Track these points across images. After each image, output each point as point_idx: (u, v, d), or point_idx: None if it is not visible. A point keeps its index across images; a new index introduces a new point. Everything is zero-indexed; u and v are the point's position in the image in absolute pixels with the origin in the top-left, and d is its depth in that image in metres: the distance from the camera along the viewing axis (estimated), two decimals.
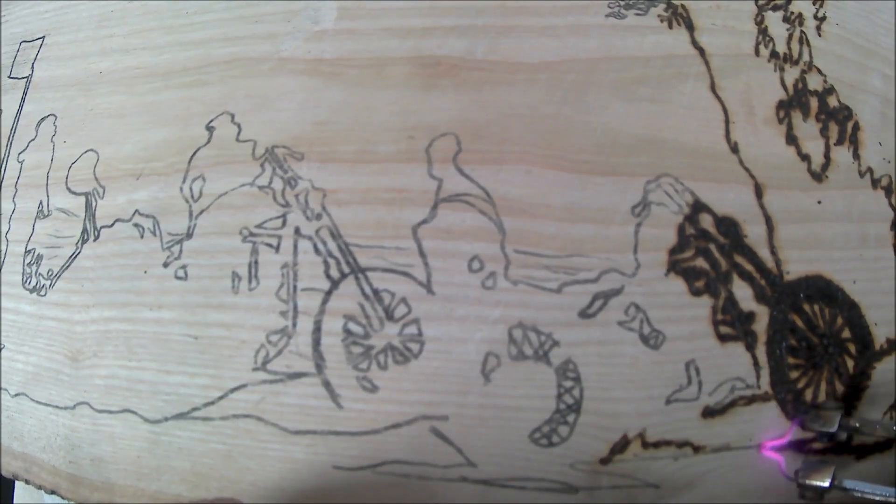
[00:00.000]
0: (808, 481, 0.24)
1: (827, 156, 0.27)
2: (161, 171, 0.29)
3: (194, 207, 0.28)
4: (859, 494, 0.24)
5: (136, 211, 0.29)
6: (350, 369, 0.25)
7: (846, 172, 0.27)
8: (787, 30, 0.29)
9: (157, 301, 0.28)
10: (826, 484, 0.24)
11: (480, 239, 0.25)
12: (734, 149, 0.26)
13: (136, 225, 0.29)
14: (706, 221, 0.26)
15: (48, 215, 0.31)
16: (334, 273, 0.26)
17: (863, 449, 0.26)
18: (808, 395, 0.25)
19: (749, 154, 0.26)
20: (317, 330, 0.25)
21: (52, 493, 0.29)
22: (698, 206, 0.26)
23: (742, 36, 0.28)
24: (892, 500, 0.23)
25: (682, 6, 0.28)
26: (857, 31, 0.29)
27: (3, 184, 0.33)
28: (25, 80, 0.35)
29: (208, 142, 0.29)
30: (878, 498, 0.23)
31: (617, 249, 0.25)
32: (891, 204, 0.27)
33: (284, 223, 0.27)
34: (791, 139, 0.27)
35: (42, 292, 0.30)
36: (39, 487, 0.30)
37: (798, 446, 0.25)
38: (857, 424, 0.24)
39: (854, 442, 0.26)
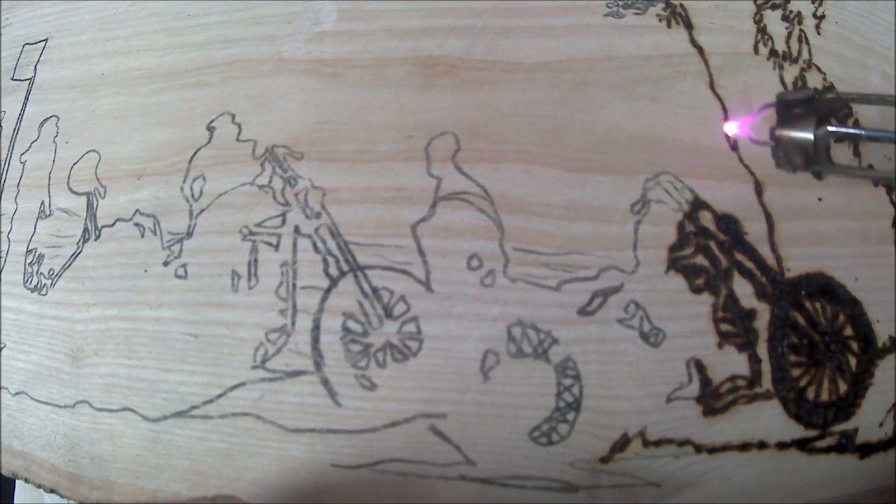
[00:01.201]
0: (788, 132, 0.21)
1: (827, 155, 0.27)
2: (162, 170, 0.29)
3: (195, 207, 0.28)
4: (840, 171, 0.20)
5: (137, 210, 0.29)
6: (349, 367, 0.25)
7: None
8: (787, 28, 0.29)
9: (158, 300, 0.28)
10: (810, 135, 0.20)
11: (479, 237, 0.25)
12: (733, 147, 0.26)
13: (136, 224, 0.29)
14: (706, 219, 0.25)
15: (50, 215, 0.31)
16: (333, 271, 0.26)
17: (866, 448, 0.25)
18: (810, 393, 0.25)
19: (749, 152, 0.26)
20: (316, 328, 0.25)
21: (52, 491, 0.29)
22: (698, 204, 0.26)
23: (741, 34, 0.28)
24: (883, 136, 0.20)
25: (681, 5, 0.28)
26: (857, 29, 0.29)
27: (6, 184, 0.34)
28: (28, 81, 0.35)
29: (209, 142, 0.29)
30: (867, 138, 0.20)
31: (616, 247, 0.25)
32: (891, 201, 0.27)
33: (284, 222, 0.27)
34: None
35: (43, 291, 0.30)
36: (39, 486, 0.30)
37: (801, 445, 0.25)
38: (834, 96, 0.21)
39: (857, 440, 0.25)
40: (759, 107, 0.23)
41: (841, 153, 0.27)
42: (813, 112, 0.22)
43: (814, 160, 0.21)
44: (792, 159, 0.22)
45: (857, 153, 0.27)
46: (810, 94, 0.22)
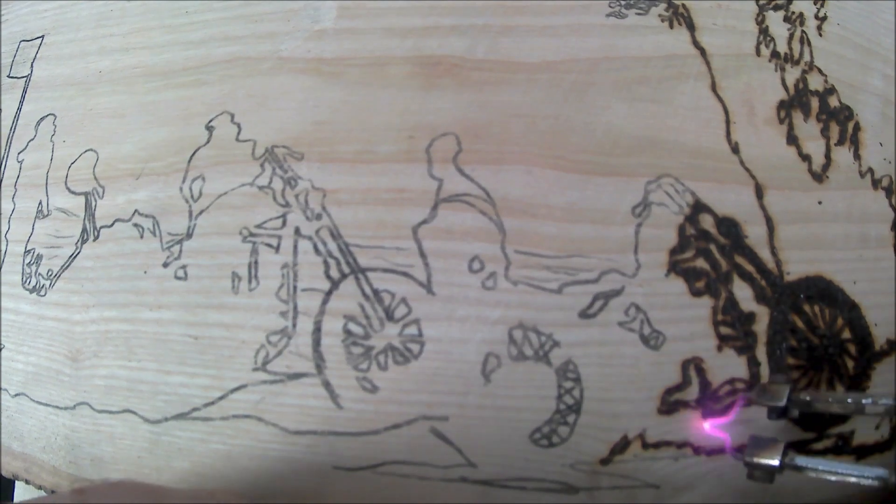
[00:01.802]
0: (755, 459, 0.23)
1: (827, 156, 0.27)
2: (161, 170, 0.29)
3: (194, 207, 0.28)
4: (813, 474, 0.22)
5: (136, 211, 0.29)
6: (350, 370, 0.25)
7: (847, 173, 0.27)
8: (788, 29, 0.29)
9: (157, 301, 0.28)
10: (776, 462, 0.22)
11: (481, 239, 0.25)
12: (735, 149, 0.26)
13: (135, 225, 0.29)
14: (707, 222, 0.26)
15: (48, 215, 0.31)
16: (334, 273, 0.26)
17: (862, 449, 0.26)
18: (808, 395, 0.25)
19: (750, 154, 0.26)
20: (317, 330, 0.25)
21: (53, 493, 0.29)
22: (699, 207, 0.26)
23: (743, 36, 0.28)
24: (851, 475, 0.21)
25: (683, 6, 0.28)
26: (858, 31, 0.29)
27: (3, 183, 0.33)
28: (25, 79, 0.35)
29: (208, 141, 0.29)
30: (833, 478, 0.22)
31: (617, 250, 0.25)
32: (891, 204, 0.27)
33: (284, 223, 0.27)
34: (792, 139, 0.27)
35: (42, 292, 0.30)
36: (39, 487, 0.30)
37: (798, 447, 0.25)
38: (808, 398, 0.23)
39: (853, 443, 0.26)
40: (738, 401, 0.24)
41: (841, 155, 0.27)
42: (790, 407, 0.24)
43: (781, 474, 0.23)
44: (759, 476, 0.24)
45: (857, 157, 0.28)
46: (787, 393, 0.23)
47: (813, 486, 0.25)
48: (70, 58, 0.34)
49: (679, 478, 0.25)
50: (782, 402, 0.23)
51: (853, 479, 0.22)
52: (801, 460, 0.22)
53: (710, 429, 0.24)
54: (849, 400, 0.23)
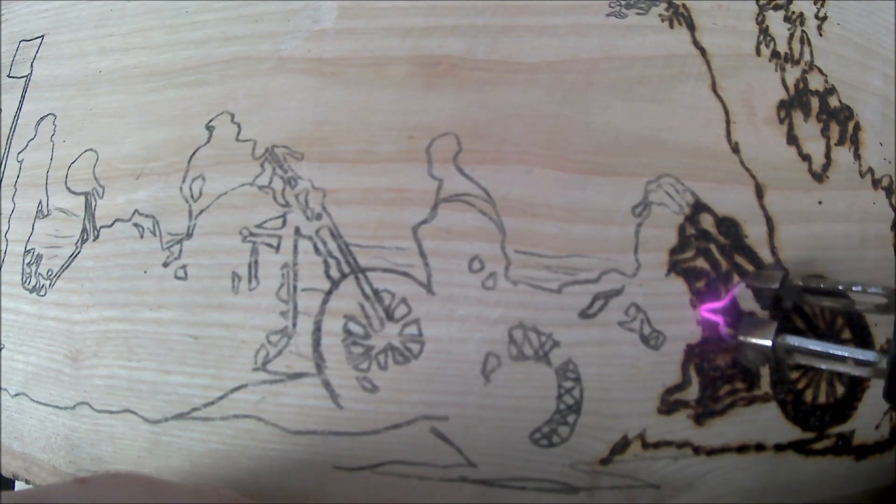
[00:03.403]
0: (748, 338, 0.23)
1: (828, 156, 0.27)
2: (161, 170, 0.29)
3: (194, 207, 0.28)
4: (804, 359, 0.22)
5: (136, 211, 0.29)
6: (350, 369, 0.25)
7: (847, 173, 0.27)
8: (789, 29, 0.28)
9: (157, 301, 0.28)
10: (768, 342, 0.22)
11: (481, 239, 0.25)
12: (735, 149, 0.26)
13: (135, 225, 0.29)
14: (707, 222, 0.26)
15: (48, 215, 0.31)
16: (334, 273, 0.26)
17: (862, 449, 0.26)
18: (808, 395, 0.25)
19: (750, 154, 0.26)
20: (317, 330, 0.25)
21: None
22: (699, 207, 0.26)
23: (743, 36, 0.28)
24: (842, 355, 0.21)
25: (684, 6, 0.28)
26: (859, 31, 0.29)
27: (3, 183, 0.33)
28: (25, 79, 0.35)
29: (208, 141, 0.29)
30: (824, 365, 0.22)
31: (617, 250, 0.25)
32: (891, 204, 0.27)
33: (284, 223, 0.27)
34: (792, 139, 0.27)
35: (42, 292, 0.30)
36: None
37: (798, 447, 0.25)
38: (801, 283, 0.23)
39: (853, 442, 0.26)
40: (731, 288, 0.25)
41: (841, 155, 0.27)
42: (783, 292, 0.24)
43: (774, 361, 0.24)
44: (752, 359, 0.24)
45: (857, 157, 0.28)
46: (780, 280, 0.24)
47: (813, 485, 0.25)
48: (70, 58, 0.34)
49: (679, 478, 0.25)
50: (776, 285, 0.23)
51: (844, 359, 0.21)
52: (793, 339, 0.22)
53: (705, 313, 0.24)
54: (839, 287, 0.23)
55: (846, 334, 0.26)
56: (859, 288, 0.23)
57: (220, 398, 0.26)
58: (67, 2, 0.35)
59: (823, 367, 0.22)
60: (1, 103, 0.35)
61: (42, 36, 0.35)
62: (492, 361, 0.25)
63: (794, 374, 0.25)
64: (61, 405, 0.29)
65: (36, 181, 0.32)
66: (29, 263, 0.31)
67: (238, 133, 0.28)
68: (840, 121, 0.28)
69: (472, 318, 0.25)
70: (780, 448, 0.25)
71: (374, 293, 0.25)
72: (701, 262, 0.25)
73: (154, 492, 0.21)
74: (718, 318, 0.24)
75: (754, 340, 0.23)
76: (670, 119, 0.26)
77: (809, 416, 0.25)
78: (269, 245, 0.27)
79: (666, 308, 0.25)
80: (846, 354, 0.21)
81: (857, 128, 0.28)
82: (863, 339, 0.26)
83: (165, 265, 0.28)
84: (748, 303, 0.25)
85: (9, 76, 0.35)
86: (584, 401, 0.24)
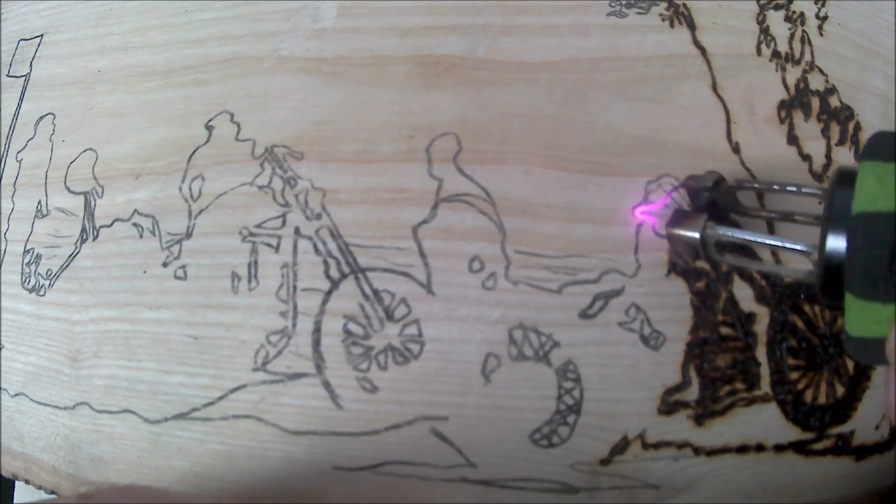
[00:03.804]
0: (676, 230, 0.23)
1: (828, 156, 0.27)
2: (160, 170, 0.29)
3: (193, 207, 0.28)
4: (732, 260, 0.22)
5: (136, 210, 0.29)
6: (350, 370, 0.25)
7: None
8: (789, 29, 0.28)
9: (157, 301, 0.28)
10: (696, 234, 0.22)
11: (481, 239, 0.25)
12: (735, 149, 0.26)
13: (135, 224, 0.29)
14: None
15: (47, 215, 0.31)
16: (334, 273, 0.26)
17: (862, 450, 0.26)
18: (808, 396, 0.25)
19: (750, 154, 0.26)
20: (317, 330, 0.25)
21: (53, 492, 0.29)
22: None
23: (744, 35, 0.28)
24: (773, 245, 0.21)
25: (684, 5, 0.28)
26: (859, 30, 0.29)
27: (2, 183, 0.33)
28: (24, 78, 0.35)
29: (207, 141, 0.29)
30: (756, 268, 0.22)
31: (618, 250, 0.25)
32: None
33: (284, 223, 0.27)
34: (792, 139, 0.27)
35: (41, 292, 0.30)
36: (39, 487, 0.30)
37: (798, 447, 0.25)
38: (734, 183, 0.24)
39: (853, 443, 0.26)
40: (668, 191, 0.25)
41: (842, 155, 0.27)
42: (719, 197, 0.24)
43: (704, 255, 0.23)
44: (682, 254, 0.24)
45: (857, 157, 0.27)
46: (714, 179, 0.24)
47: (813, 486, 0.25)
48: (69, 57, 0.33)
49: (679, 478, 0.25)
50: (709, 183, 0.23)
51: (775, 250, 0.22)
52: (722, 230, 0.22)
53: (640, 215, 0.25)
54: (774, 186, 0.23)
55: None
56: (794, 188, 0.22)
57: (220, 398, 0.26)
58: (66, 1, 0.35)
59: (758, 268, 0.22)
60: (0, 102, 0.35)
61: (41, 35, 0.35)
62: (492, 362, 0.25)
63: (795, 375, 0.25)
64: (61, 405, 0.29)
65: (35, 181, 0.32)
66: (28, 263, 0.31)
67: (238, 133, 0.28)
68: (841, 121, 0.28)
69: (472, 318, 0.25)
70: (780, 448, 0.25)
71: (374, 293, 0.25)
72: (701, 263, 0.25)
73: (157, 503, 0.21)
74: (652, 219, 0.24)
75: (682, 232, 0.23)
76: (670, 119, 0.26)
77: (809, 417, 0.25)
78: (269, 245, 0.26)
79: (666, 308, 0.25)
80: (777, 244, 0.21)
81: (857, 128, 0.28)
82: None
83: (165, 265, 0.28)
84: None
85: (8, 75, 0.35)
86: (584, 401, 0.24)
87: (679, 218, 0.24)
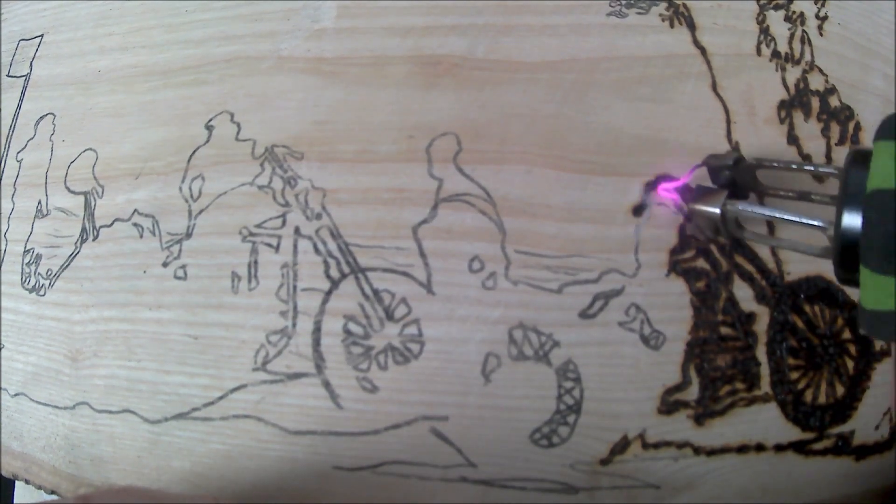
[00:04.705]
0: (697, 206, 0.23)
1: (828, 156, 0.27)
2: (160, 170, 0.29)
3: (193, 207, 0.28)
4: (752, 236, 0.23)
5: (136, 210, 0.29)
6: (350, 370, 0.25)
7: None
8: (789, 29, 0.28)
9: (157, 301, 0.28)
10: (717, 210, 0.23)
11: (481, 239, 0.25)
12: (735, 149, 0.26)
13: (135, 224, 0.29)
14: None
15: (47, 215, 0.31)
16: (334, 273, 0.26)
17: (862, 450, 0.26)
18: (808, 395, 0.25)
19: (750, 154, 0.26)
20: (317, 330, 0.25)
21: (53, 492, 0.29)
22: None
23: (744, 35, 0.28)
24: (791, 221, 0.22)
25: (684, 5, 0.28)
26: (859, 30, 0.29)
27: (3, 183, 0.33)
28: (24, 78, 0.35)
29: (207, 141, 0.29)
30: (772, 242, 0.23)
31: (618, 250, 0.25)
32: None
33: (284, 223, 0.27)
34: (792, 139, 0.27)
35: (41, 292, 0.30)
36: (39, 487, 0.30)
37: (798, 447, 0.25)
38: (755, 161, 0.24)
39: (853, 443, 0.26)
40: (689, 169, 0.25)
41: (842, 155, 0.27)
42: (738, 175, 0.24)
43: (725, 232, 0.24)
44: (703, 229, 0.25)
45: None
46: (735, 158, 0.24)
47: (813, 486, 0.25)
48: (69, 57, 0.33)
49: (679, 478, 0.25)
50: (730, 161, 0.24)
51: (793, 225, 0.22)
52: (742, 205, 0.23)
53: (662, 192, 0.25)
54: (793, 165, 0.24)
55: (846, 334, 0.26)
56: (812, 167, 0.24)
57: (220, 398, 0.26)
58: (66, 1, 0.35)
59: (777, 244, 0.23)
60: (0, 102, 0.35)
61: (41, 35, 0.35)
62: (492, 361, 0.25)
63: (794, 375, 0.25)
64: (61, 405, 0.29)
65: (35, 181, 0.32)
66: (28, 263, 0.31)
67: (238, 133, 0.28)
68: (840, 121, 0.28)
69: (472, 318, 0.25)
70: (780, 448, 0.25)
71: (374, 293, 0.25)
72: (701, 263, 0.25)
73: None
74: (674, 195, 0.25)
75: (703, 207, 0.24)
76: (670, 119, 0.26)
77: (809, 417, 0.25)
78: (269, 245, 0.26)
79: (666, 308, 0.25)
80: (795, 219, 0.21)
81: (857, 128, 0.28)
82: (863, 339, 0.26)
83: (165, 265, 0.28)
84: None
85: (8, 75, 0.35)
86: (584, 401, 0.24)
87: (700, 194, 0.24)
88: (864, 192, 0.18)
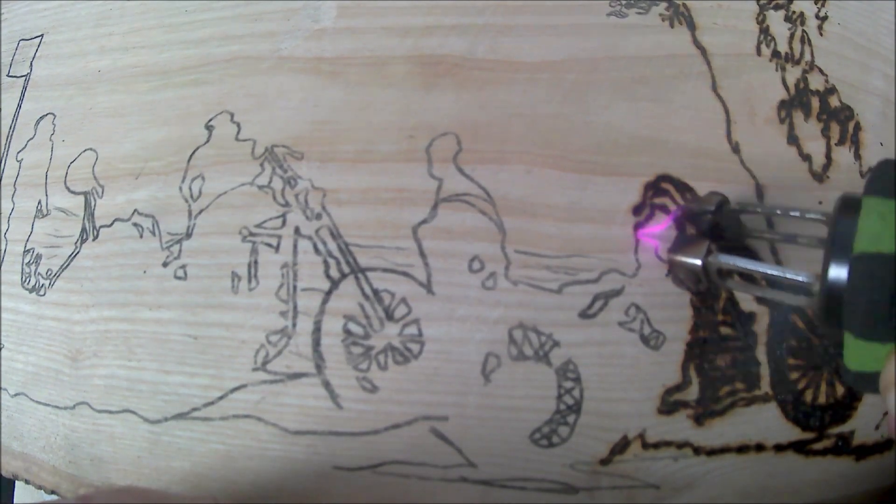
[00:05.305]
0: (678, 257, 0.23)
1: (828, 156, 0.27)
2: (160, 170, 0.29)
3: (193, 207, 0.28)
4: (735, 287, 0.22)
5: (136, 210, 0.29)
6: (350, 370, 0.25)
7: (847, 173, 0.27)
8: (789, 29, 0.28)
9: (157, 301, 0.28)
10: (698, 261, 0.22)
11: (481, 239, 0.25)
12: (735, 149, 0.26)
13: (135, 224, 0.29)
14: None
15: (47, 214, 0.31)
16: (334, 273, 0.26)
17: (862, 450, 0.26)
18: (808, 396, 0.25)
19: (750, 154, 0.26)
20: (317, 330, 0.25)
21: (53, 492, 0.29)
22: None
23: (744, 35, 0.28)
24: (774, 275, 0.21)
25: (684, 5, 0.28)
26: (859, 30, 0.29)
27: (3, 183, 0.33)
28: (24, 78, 0.35)
29: (207, 141, 0.29)
30: (758, 292, 0.21)
31: (617, 249, 0.25)
32: None
33: (284, 223, 0.27)
34: (792, 139, 0.27)
35: (41, 292, 0.30)
36: (39, 487, 0.30)
37: (798, 447, 0.25)
38: (738, 206, 0.23)
39: (853, 443, 0.26)
40: (670, 215, 0.25)
41: (842, 155, 0.27)
42: (722, 220, 0.24)
43: (706, 281, 0.23)
44: (684, 280, 0.24)
45: (857, 157, 0.27)
46: (717, 202, 0.24)
47: (813, 486, 0.25)
48: (69, 57, 0.34)
49: (679, 478, 0.25)
50: (712, 207, 0.23)
51: (780, 284, 0.21)
52: (724, 258, 0.22)
53: (642, 236, 0.24)
54: (777, 211, 0.23)
55: None
56: (797, 213, 0.22)
57: (220, 398, 0.26)
58: (67, 1, 0.35)
59: (761, 294, 0.22)
60: (0, 102, 0.35)
61: (41, 35, 0.35)
62: (492, 361, 0.25)
63: (794, 375, 0.25)
64: (61, 405, 0.29)
65: (35, 181, 0.32)
66: (28, 263, 0.31)
67: (238, 132, 0.28)
68: (840, 121, 0.28)
69: (472, 318, 0.25)
70: (779, 448, 0.25)
71: (373, 293, 0.25)
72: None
73: None
74: (655, 242, 0.24)
75: (684, 259, 0.23)
76: (670, 119, 0.26)
77: (809, 417, 0.25)
78: (269, 245, 0.26)
79: (666, 308, 0.25)
80: (778, 274, 0.21)
81: (857, 128, 0.28)
82: None
83: (165, 265, 0.28)
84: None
85: (8, 75, 0.35)
86: (584, 401, 0.24)
87: (681, 244, 0.24)
88: (851, 244, 0.18)
